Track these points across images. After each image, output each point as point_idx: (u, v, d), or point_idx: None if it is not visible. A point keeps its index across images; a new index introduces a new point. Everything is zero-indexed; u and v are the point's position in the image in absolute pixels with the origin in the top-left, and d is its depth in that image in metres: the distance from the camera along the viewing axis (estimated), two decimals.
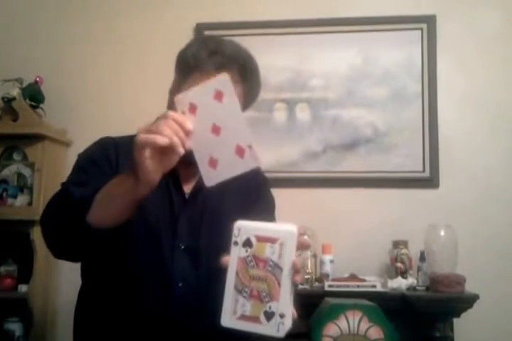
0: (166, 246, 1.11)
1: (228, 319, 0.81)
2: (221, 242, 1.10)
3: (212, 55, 1.11)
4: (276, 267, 0.79)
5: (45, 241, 1.09)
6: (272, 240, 0.80)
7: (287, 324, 0.78)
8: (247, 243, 0.81)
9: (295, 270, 0.79)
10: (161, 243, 1.11)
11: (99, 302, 1.12)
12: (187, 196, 1.17)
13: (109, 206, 0.96)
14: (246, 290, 0.81)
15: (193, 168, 1.21)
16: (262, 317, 0.79)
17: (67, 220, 1.00)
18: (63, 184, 1.16)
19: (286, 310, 0.78)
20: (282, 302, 0.78)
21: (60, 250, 1.10)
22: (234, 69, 1.10)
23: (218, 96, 0.84)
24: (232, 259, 0.82)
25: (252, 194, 1.25)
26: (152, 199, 1.12)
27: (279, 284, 0.79)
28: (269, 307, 0.79)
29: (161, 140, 0.83)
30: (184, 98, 0.87)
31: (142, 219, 1.10)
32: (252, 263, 0.81)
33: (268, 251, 0.80)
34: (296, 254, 0.81)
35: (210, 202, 1.18)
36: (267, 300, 0.79)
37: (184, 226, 1.13)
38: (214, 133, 0.86)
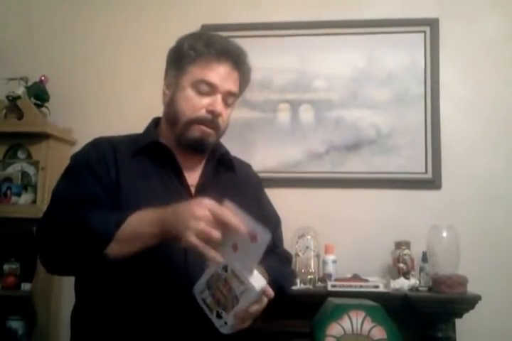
0: (177, 248, 1.07)
1: (198, 292, 1.00)
2: None
3: (208, 45, 1.18)
4: (236, 299, 0.95)
5: (41, 256, 1.09)
6: (241, 282, 0.94)
7: (228, 328, 0.98)
8: (225, 268, 0.97)
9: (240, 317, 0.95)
10: (172, 246, 1.07)
11: (102, 316, 1.09)
12: (193, 190, 1.19)
13: (131, 245, 0.99)
14: (212, 290, 0.98)
15: (198, 157, 1.24)
16: (215, 313, 0.98)
17: (81, 249, 1.02)
18: (56, 192, 1.15)
19: (230, 321, 0.97)
20: (230, 316, 0.96)
21: (59, 269, 1.12)
22: (230, 57, 1.19)
23: (253, 237, 0.92)
24: (212, 266, 0.99)
25: (255, 203, 1.28)
26: (157, 196, 1.12)
27: (233, 307, 0.96)
28: (221, 312, 0.97)
29: (210, 253, 0.92)
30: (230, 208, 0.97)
31: None
32: (221, 281, 0.97)
33: (235, 285, 0.95)
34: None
35: (216, 199, 1.19)
36: (221, 307, 0.97)
37: None
38: (233, 249, 0.96)
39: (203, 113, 1.17)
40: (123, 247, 0.99)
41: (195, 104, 1.17)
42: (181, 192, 1.17)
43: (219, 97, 1.18)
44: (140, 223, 0.99)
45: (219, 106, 1.18)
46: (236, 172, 1.31)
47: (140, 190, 1.13)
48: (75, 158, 1.20)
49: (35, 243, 1.09)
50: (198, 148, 1.20)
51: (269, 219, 1.32)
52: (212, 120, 1.18)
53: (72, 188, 1.12)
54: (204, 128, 1.18)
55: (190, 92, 1.18)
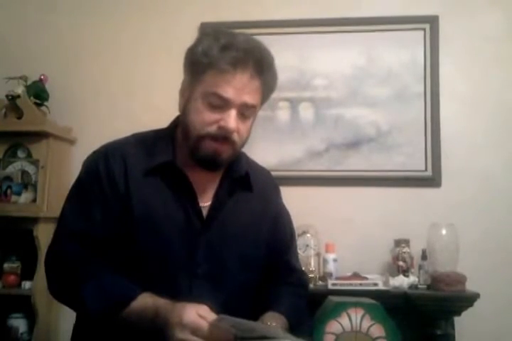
0: (183, 274, 1.07)
1: None
2: (240, 267, 1.10)
3: (224, 50, 1.05)
4: None
5: (48, 286, 1.11)
6: None
7: None
8: None
9: None
10: (179, 271, 1.07)
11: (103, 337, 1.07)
12: (205, 214, 1.12)
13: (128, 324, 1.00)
14: None
15: (213, 173, 1.16)
16: None
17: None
18: (64, 219, 1.12)
19: None
20: None
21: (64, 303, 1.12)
22: (249, 63, 1.05)
23: None
24: None
25: (270, 221, 1.23)
26: (168, 219, 1.09)
27: None
28: None
29: None
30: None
31: (157, 246, 1.07)
32: None
33: None
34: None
35: (228, 223, 1.15)
36: None
37: (203, 252, 1.09)
38: None
39: (213, 129, 1.05)
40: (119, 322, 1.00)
41: (205, 118, 1.06)
42: (192, 215, 1.12)
43: (233, 112, 1.05)
44: (138, 317, 0.98)
45: (231, 123, 1.05)
46: (253, 191, 1.20)
47: (151, 212, 1.09)
48: (85, 172, 1.14)
49: (45, 270, 1.11)
50: (210, 165, 1.11)
51: (283, 237, 1.28)
52: (224, 136, 1.06)
53: (80, 220, 1.09)
54: (215, 145, 1.07)
55: (200, 105, 1.06)
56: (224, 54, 1.04)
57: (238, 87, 1.05)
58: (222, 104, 1.05)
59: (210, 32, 1.12)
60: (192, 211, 1.11)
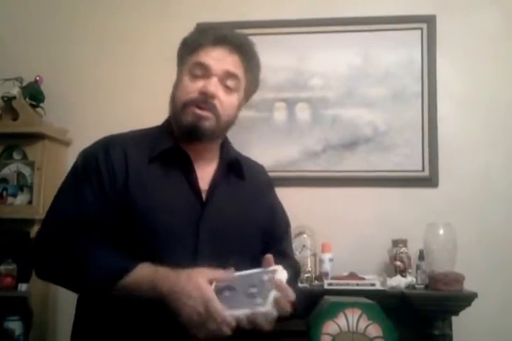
0: (186, 257, 1.07)
1: None
2: (239, 249, 1.11)
3: (208, 34, 1.15)
4: None
5: (36, 271, 1.09)
6: None
7: None
8: None
9: None
10: (181, 256, 1.06)
11: (105, 327, 1.06)
12: (204, 196, 1.14)
13: (124, 296, 0.99)
14: None
15: (209, 156, 1.19)
16: None
17: (75, 285, 1.06)
18: (56, 201, 1.11)
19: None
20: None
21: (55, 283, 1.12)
22: (229, 43, 1.14)
23: None
24: None
25: (267, 211, 1.25)
26: (169, 203, 1.09)
27: None
28: None
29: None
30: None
31: (158, 232, 1.07)
32: None
33: None
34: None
35: (226, 206, 1.16)
36: None
37: (204, 234, 1.10)
38: None
39: (195, 95, 1.11)
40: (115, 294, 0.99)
41: (188, 87, 1.13)
42: (192, 198, 1.13)
43: (214, 79, 1.12)
44: (138, 286, 0.98)
45: (212, 87, 1.11)
46: (245, 179, 1.23)
47: (151, 198, 1.09)
48: (83, 159, 1.14)
49: (32, 255, 1.09)
50: (193, 134, 1.12)
51: (278, 227, 1.29)
52: (205, 101, 1.11)
53: (73, 203, 1.09)
54: (197, 110, 1.11)
55: (185, 79, 1.14)
56: (207, 35, 1.15)
57: (217, 56, 1.13)
58: (203, 73, 1.12)
59: (196, 28, 1.22)
60: (192, 194, 1.12)
